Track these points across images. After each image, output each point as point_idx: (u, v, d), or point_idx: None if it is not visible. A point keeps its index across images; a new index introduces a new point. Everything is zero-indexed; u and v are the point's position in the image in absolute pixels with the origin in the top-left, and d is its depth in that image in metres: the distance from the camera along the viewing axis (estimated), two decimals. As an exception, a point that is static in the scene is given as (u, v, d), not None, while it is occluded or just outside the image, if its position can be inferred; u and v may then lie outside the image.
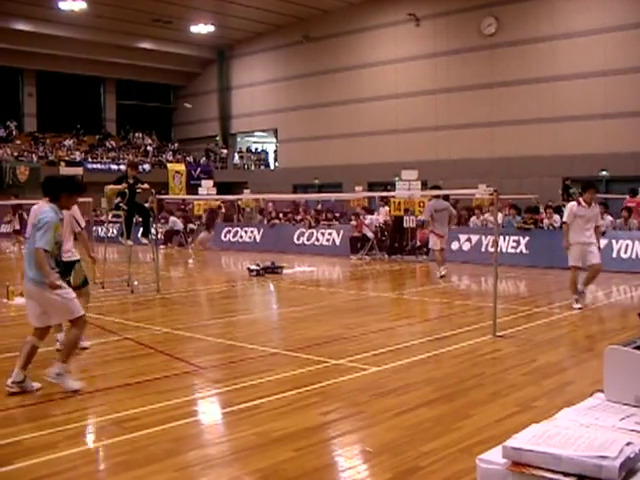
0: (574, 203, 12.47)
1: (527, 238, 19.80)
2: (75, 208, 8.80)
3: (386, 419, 6.16)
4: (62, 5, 36.81)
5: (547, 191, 28.65)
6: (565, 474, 2.37)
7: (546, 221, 20.48)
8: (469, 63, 34.49)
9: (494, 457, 2.56)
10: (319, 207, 29.42)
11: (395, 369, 7.94)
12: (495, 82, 33.48)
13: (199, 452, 5.46)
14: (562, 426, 2.65)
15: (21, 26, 39.87)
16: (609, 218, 19.65)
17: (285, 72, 43.11)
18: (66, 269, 8.15)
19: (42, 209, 7.17)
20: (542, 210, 22.58)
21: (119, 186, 15.16)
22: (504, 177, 30.25)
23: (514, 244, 19.94)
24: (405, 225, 22.18)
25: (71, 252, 8.86)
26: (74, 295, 7.30)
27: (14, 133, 44.65)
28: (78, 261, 9.01)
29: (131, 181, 15.26)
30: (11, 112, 45.40)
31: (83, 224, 9.19)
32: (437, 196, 17.33)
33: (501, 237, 19.21)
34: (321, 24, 40.62)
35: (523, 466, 2.44)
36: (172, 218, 29.36)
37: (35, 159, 42.09)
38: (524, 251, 19.73)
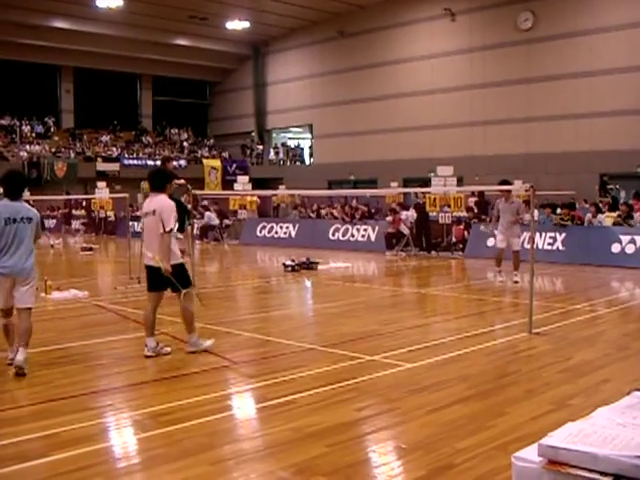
0: None
1: (564, 234, 19.62)
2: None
3: (420, 416, 6.14)
4: (99, 2, 37.14)
5: (584, 187, 28.40)
6: (602, 473, 2.34)
7: (589, 219, 20.17)
8: (505, 58, 34.27)
9: (529, 455, 2.54)
10: (354, 203, 29.38)
11: (430, 366, 7.92)
12: (531, 77, 33.22)
13: (233, 446, 5.48)
14: (599, 425, 2.63)
15: (59, 24, 40.33)
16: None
17: (320, 68, 43.11)
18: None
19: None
20: (579, 206, 22.36)
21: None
22: (540, 173, 30.03)
23: (550, 240, 19.76)
24: (440, 221, 22.10)
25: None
26: None
27: (52, 129, 45.15)
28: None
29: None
30: (49, 109, 45.95)
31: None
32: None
33: (537, 233, 19.06)
34: (356, 19, 40.56)
35: (559, 465, 2.42)
36: (207, 213, 29.48)
37: (72, 155, 42.53)
38: (560, 248, 19.55)
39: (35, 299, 8.06)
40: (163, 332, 9.87)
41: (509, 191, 15.56)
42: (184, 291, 8.50)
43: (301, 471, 4.93)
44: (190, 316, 8.64)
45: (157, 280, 8.47)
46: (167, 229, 8.28)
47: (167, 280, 8.40)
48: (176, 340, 9.34)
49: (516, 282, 15.41)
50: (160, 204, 8.43)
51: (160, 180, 8.72)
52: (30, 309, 7.86)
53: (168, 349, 8.63)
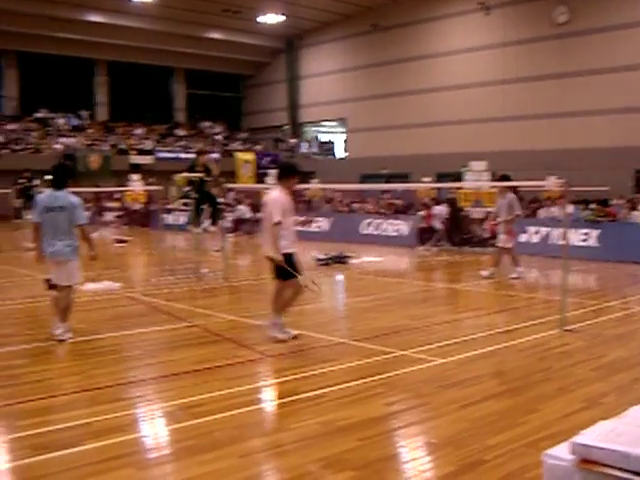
0: None
1: (597, 231, 19.43)
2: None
3: (451, 411, 6.12)
4: (133, -4, 37.42)
5: (618, 183, 28.09)
6: (635, 473, 2.32)
7: (623, 215, 19.99)
8: (539, 53, 33.97)
9: (561, 453, 2.53)
10: (386, 196, 29.28)
11: (461, 361, 7.89)
12: (566, 72, 32.89)
13: (263, 439, 5.50)
14: (632, 424, 2.61)
15: (94, 18, 40.64)
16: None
17: (354, 62, 43.04)
18: None
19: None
20: (613, 202, 22.14)
21: (193, 174, 15.30)
22: (574, 169, 29.69)
23: (584, 237, 19.59)
24: (473, 216, 21.99)
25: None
26: None
27: (86, 122, 45.49)
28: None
29: (200, 169, 15.41)
30: (84, 102, 46.24)
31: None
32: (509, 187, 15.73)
33: (570, 230, 18.87)
34: (390, 13, 40.43)
35: (591, 463, 2.41)
36: (240, 206, 29.56)
37: (106, 148, 42.82)
38: (594, 244, 19.37)
39: (77, 278, 9.22)
40: (195, 325, 9.94)
41: (506, 187, 15.38)
42: (287, 281, 8.94)
43: (330, 465, 4.94)
44: (284, 302, 9.07)
45: (276, 269, 8.97)
46: (273, 221, 8.70)
47: (280, 268, 8.83)
48: (208, 333, 9.39)
49: (484, 277, 15.31)
50: (269, 197, 9.01)
51: (280, 173, 9.23)
52: (70, 287, 9.07)
53: (294, 332, 9.06)
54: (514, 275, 15.32)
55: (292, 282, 8.92)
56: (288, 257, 8.83)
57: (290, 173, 9.15)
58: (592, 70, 31.85)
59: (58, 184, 9.10)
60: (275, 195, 8.96)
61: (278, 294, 9.06)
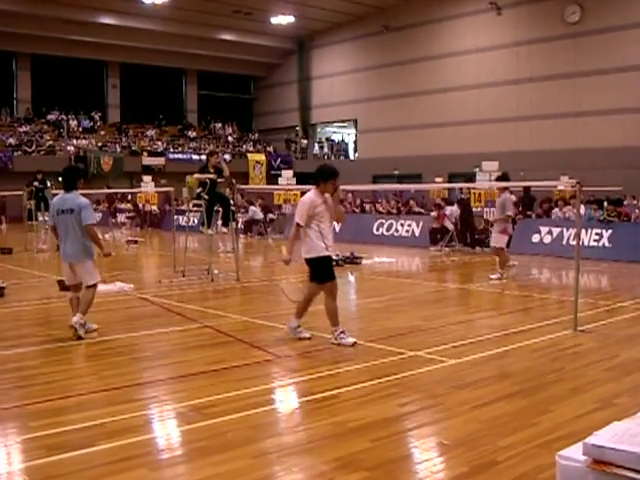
0: None
1: (610, 231, 19.36)
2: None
3: (464, 412, 6.11)
4: (145, -2, 37.56)
5: (632, 183, 28.00)
6: (649, 474, 2.31)
7: (636, 215, 19.93)
8: (552, 52, 33.90)
9: (574, 454, 2.52)
10: (398, 198, 29.27)
11: (474, 362, 7.87)
12: (579, 71, 32.81)
13: (276, 440, 5.50)
14: (645, 424, 2.60)
15: (106, 20, 40.86)
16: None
17: (365, 62, 43.06)
18: None
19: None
20: (626, 202, 22.06)
21: (204, 175, 15.29)
22: (586, 169, 29.60)
23: (596, 237, 19.51)
24: (485, 217, 21.94)
25: None
26: None
27: (98, 124, 45.66)
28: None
29: (212, 170, 15.41)
30: (96, 103, 46.50)
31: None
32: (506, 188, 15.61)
33: (583, 230, 18.81)
34: (401, 14, 40.42)
35: (605, 464, 2.40)
36: (252, 208, 29.54)
37: (118, 149, 42.97)
38: (607, 244, 19.30)
39: (96, 277, 9.40)
40: (207, 326, 9.95)
41: (503, 186, 15.31)
42: (313, 283, 9.03)
43: (343, 466, 4.94)
44: (331, 311, 8.92)
45: (311, 271, 9.04)
46: (295, 221, 8.88)
47: (316, 271, 8.94)
48: (220, 334, 9.40)
49: (491, 278, 15.22)
50: (301, 199, 9.13)
51: (316, 176, 9.05)
52: (94, 285, 9.27)
53: (307, 334, 9.04)
54: (495, 276, 15.29)
55: (327, 285, 8.91)
56: (325, 260, 8.90)
57: (326, 177, 8.95)
58: (604, 69, 31.76)
59: (68, 186, 9.32)
60: (305, 197, 8.98)
61: (309, 297, 9.14)
